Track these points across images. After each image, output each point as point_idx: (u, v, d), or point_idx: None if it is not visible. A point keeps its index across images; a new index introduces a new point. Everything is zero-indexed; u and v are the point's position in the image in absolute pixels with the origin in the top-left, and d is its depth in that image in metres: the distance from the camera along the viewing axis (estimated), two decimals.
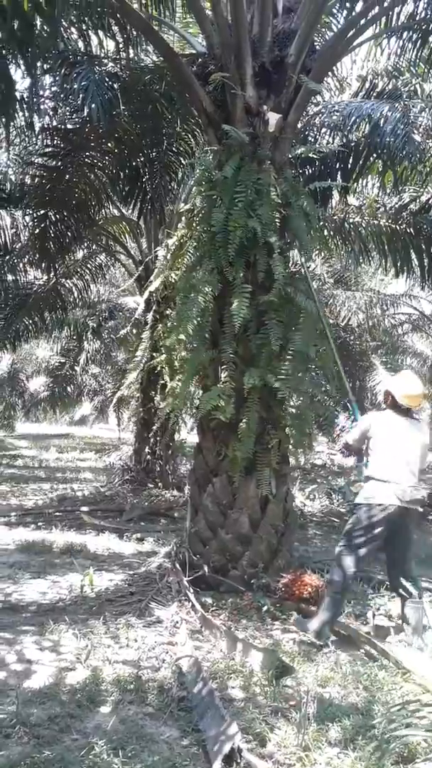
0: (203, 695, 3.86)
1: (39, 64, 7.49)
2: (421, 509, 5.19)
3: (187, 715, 3.77)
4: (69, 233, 10.24)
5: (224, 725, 3.42)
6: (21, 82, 9.59)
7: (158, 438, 12.84)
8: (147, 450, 13.16)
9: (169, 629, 5.18)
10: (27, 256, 12.03)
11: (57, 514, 10.09)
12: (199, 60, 6.85)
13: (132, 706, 3.85)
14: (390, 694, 4.04)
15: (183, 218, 7.47)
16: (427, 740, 3.28)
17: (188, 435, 13.68)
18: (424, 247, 10.10)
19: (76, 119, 8.87)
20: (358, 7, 7.54)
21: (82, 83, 7.14)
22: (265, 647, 4.68)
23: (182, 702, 3.92)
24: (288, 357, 6.06)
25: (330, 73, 9.11)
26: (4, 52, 5.35)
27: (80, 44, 8.09)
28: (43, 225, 9.76)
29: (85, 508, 10.40)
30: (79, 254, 14.57)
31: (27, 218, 10.90)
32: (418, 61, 8.86)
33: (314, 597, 5.68)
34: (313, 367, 6.60)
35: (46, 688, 3.98)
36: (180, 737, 3.55)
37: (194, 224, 6.89)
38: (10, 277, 13.18)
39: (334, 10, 8.52)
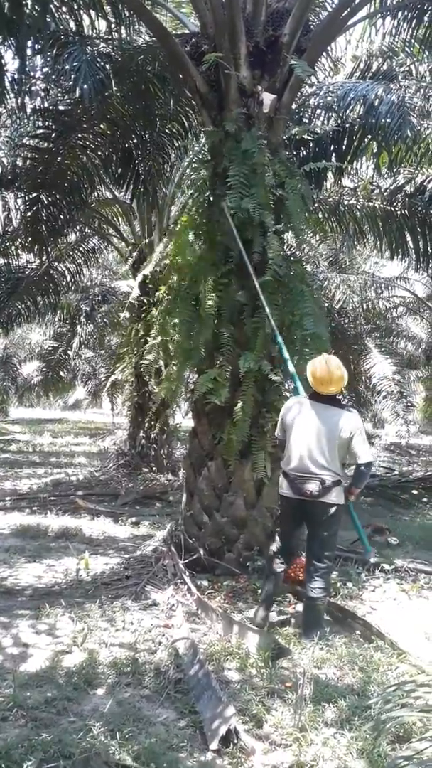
0: (200, 677, 3.88)
1: (29, 44, 7.39)
2: (330, 502, 4.70)
3: (183, 697, 3.79)
4: (61, 216, 10.16)
5: (221, 707, 3.44)
6: (11, 62, 9.45)
7: (153, 422, 12.84)
8: (141, 434, 13.16)
9: (165, 612, 5.20)
10: (19, 240, 11.93)
11: (52, 498, 10.08)
12: (192, 40, 6.75)
13: (129, 688, 3.86)
14: (385, 675, 4.07)
15: (178, 201, 7.42)
16: (422, 720, 3.30)
17: (183, 419, 13.69)
18: (419, 229, 10.07)
19: (68, 100, 8.76)
20: None
21: (74, 63, 7.03)
22: (260, 629, 4.69)
23: (179, 684, 3.93)
24: (296, 339, 6.05)
25: (324, 54, 9.00)
26: None
27: (72, 24, 7.97)
28: (35, 208, 9.67)
29: (79, 493, 10.41)
30: (72, 237, 14.48)
31: (19, 201, 10.80)
32: (412, 41, 8.77)
33: None
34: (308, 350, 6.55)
35: (42, 672, 3.99)
36: (177, 719, 3.56)
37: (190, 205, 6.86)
38: (2, 261, 13.10)
39: None
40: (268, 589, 5.03)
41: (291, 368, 5.66)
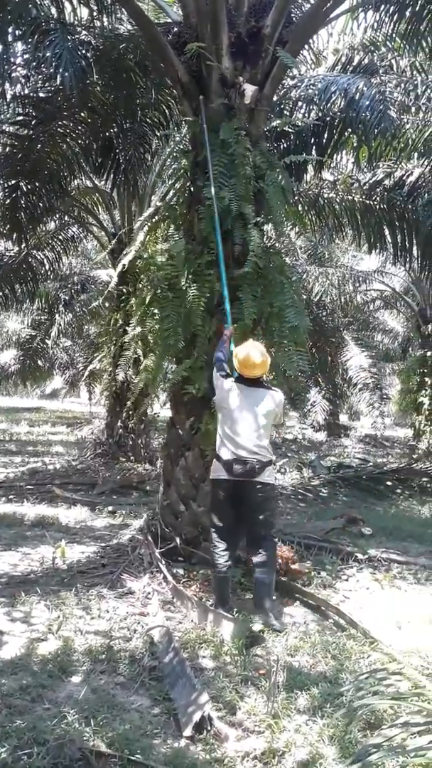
0: (174, 665, 3.92)
1: (10, 30, 7.33)
2: (264, 481, 4.91)
3: (158, 685, 3.82)
4: (40, 204, 10.10)
5: (195, 694, 3.48)
6: None
7: (131, 412, 12.81)
8: (119, 424, 13.13)
9: (140, 600, 5.23)
10: None
11: (28, 487, 10.05)
12: (175, 29, 6.72)
13: (103, 675, 3.89)
14: (358, 663, 4.13)
15: (159, 191, 7.41)
16: (393, 707, 3.36)
17: (161, 409, 13.69)
18: (397, 223, 10.14)
19: (49, 87, 8.70)
20: None
21: (55, 51, 6.98)
22: (235, 617, 4.73)
23: (153, 671, 3.97)
24: (274, 331, 6.08)
25: (306, 46, 9.00)
26: None
27: (53, 11, 7.91)
28: (14, 195, 9.61)
29: (56, 482, 10.39)
30: (51, 225, 14.39)
31: None
32: (394, 35, 8.79)
33: (284, 568, 5.75)
34: (286, 342, 6.57)
35: (17, 659, 4.00)
36: (151, 706, 3.59)
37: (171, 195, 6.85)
38: None
39: None
40: (218, 594, 5.05)
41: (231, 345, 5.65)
